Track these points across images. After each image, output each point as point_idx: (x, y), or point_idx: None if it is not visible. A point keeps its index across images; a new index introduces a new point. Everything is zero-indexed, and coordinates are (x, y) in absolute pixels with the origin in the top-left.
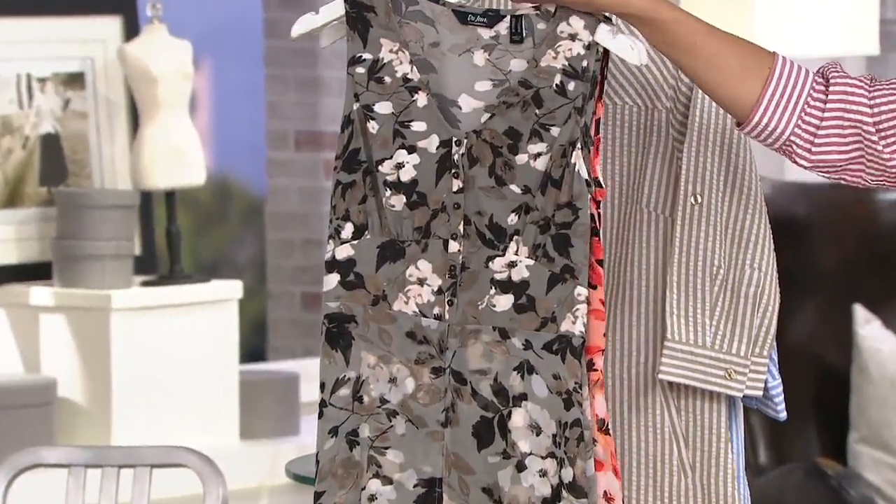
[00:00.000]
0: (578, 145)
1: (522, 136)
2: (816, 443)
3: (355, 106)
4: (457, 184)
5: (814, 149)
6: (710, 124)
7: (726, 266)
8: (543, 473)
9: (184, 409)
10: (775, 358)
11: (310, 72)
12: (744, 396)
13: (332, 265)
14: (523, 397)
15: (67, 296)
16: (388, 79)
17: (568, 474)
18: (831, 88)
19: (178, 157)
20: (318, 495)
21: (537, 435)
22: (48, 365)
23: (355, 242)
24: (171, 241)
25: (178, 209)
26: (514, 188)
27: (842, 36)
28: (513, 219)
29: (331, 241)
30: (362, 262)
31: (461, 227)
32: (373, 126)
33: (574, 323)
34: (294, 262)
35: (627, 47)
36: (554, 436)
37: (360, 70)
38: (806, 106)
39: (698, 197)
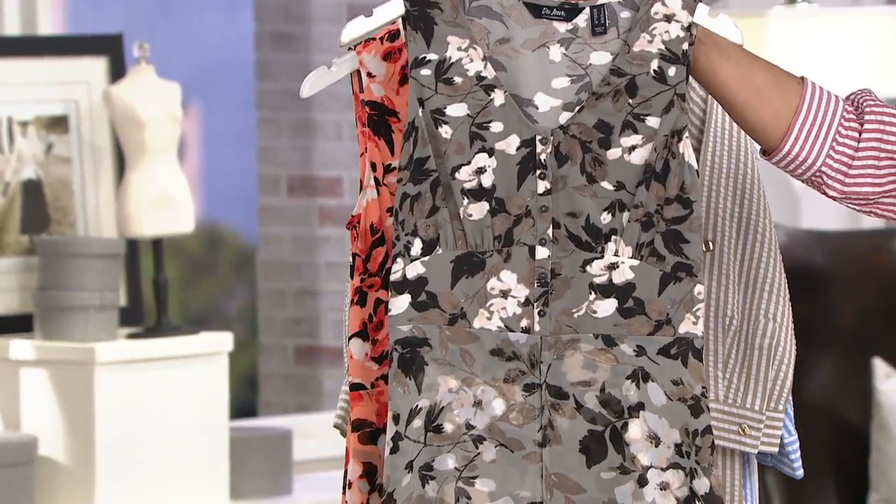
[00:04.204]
0: (685, 134)
1: (614, 128)
2: (835, 503)
3: (420, 112)
4: (543, 185)
5: (847, 180)
6: (722, 168)
7: (739, 316)
8: (664, 487)
9: (171, 467)
10: (791, 413)
11: (303, 115)
12: (758, 453)
13: (403, 285)
14: (640, 407)
15: (49, 349)
16: (458, 79)
17: (703, 485)
18: (867, 118)
19: (165, 203)
20: None
21: (656, 446)
22: (29, 422)
23: (426, 259)
24: (159, 291)
25: (165, 258)
26: (606, 185)
27: (864, 76)
28: (606, 218)
29: (399, 260)
30: (435, 279)
31: (549, 232)
32: (445, 131)
33: (695, 324)
34: (287, 313)
35: (731, 26)
36: (678, 445)
37: (426, 72)
38: (837, 135)
39: (710, 244)
